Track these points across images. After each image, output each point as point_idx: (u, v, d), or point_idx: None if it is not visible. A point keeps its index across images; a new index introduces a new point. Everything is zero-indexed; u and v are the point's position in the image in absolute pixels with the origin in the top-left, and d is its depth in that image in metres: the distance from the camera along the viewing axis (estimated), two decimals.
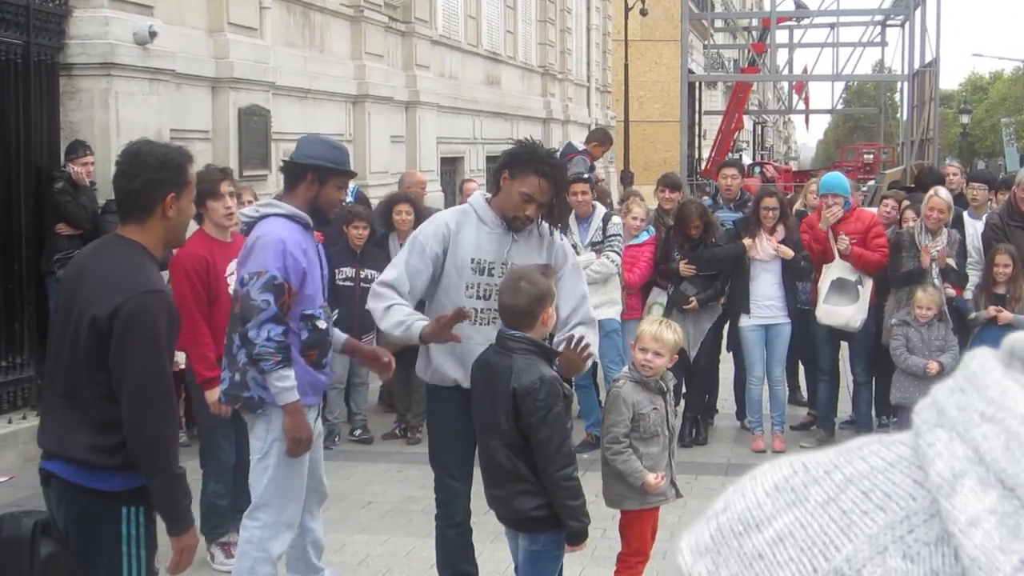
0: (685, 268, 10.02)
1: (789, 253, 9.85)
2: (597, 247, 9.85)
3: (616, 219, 10.13)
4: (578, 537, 5.13)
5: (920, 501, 0.78)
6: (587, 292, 5.97)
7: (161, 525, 4.38)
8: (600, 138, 13.99)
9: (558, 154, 13.24)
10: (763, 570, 0.80)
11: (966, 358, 0.82)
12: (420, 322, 5.54)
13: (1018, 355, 0.80)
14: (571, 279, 5.85)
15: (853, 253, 9.96)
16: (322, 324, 5.73)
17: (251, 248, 5.57)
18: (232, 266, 6.59)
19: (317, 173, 5.75)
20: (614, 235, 9.92)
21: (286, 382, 5.48)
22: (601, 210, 10.18)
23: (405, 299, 5.66)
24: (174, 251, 6.83)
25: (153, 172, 4.21)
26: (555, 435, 4.93)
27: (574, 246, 9.83)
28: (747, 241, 9.93)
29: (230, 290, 6.38)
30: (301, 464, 5.67)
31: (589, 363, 5.75)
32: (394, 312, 5.59)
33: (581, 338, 5.43)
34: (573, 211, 10.27)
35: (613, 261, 9.83)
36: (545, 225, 5.79)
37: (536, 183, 5.58)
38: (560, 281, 5.67)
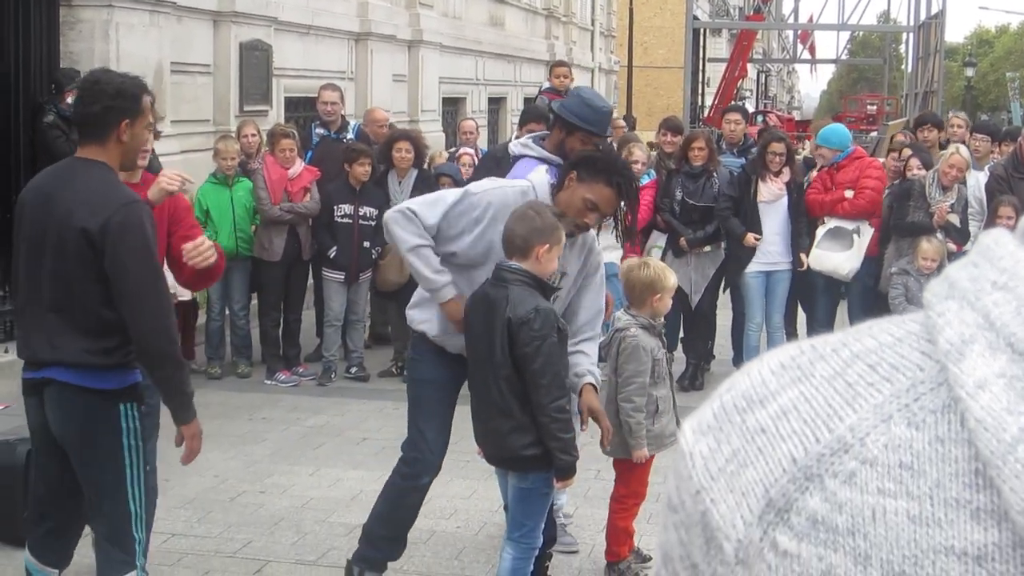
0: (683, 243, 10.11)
1: (805, 263, 10.10)
2: None
3: None
4: (567, 472, 5.06)
5: (927, 371, 0.77)
6: (603, 307, 5.68)
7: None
8: (551, 70, 14.08)
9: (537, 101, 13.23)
10: (765, 443, 0.79)
11: (980, 236, 0.82)
12: (449, 289, 5.29)
13: None
14: (595, 290, 5.58)
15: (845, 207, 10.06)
16: None
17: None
18: None
19: (562, 124, 6.37)
20: None
21: None
22: None
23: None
24: None
25: (110, 99, 4.53)
26: (549, 366, 4.90)
27: None
28: (750, 237, 9.98)
29: None
30: None
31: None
32: (426, 256, 5.23)
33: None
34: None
35: None
36: (592, 232, 5.53)
37: (606, 193, 5.26)
38: (584, 289, 5.53)
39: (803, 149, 12.60)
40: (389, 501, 5.72)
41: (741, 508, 0.78)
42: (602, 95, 6.63)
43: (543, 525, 5.36)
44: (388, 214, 5.37)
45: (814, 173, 10.55)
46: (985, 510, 0.71)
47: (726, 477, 0.80)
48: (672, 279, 6.01)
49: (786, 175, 10.03)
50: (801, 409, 0.79)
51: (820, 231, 10.14)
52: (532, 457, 5.03)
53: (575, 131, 6.28)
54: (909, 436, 0.75)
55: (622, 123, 13.62)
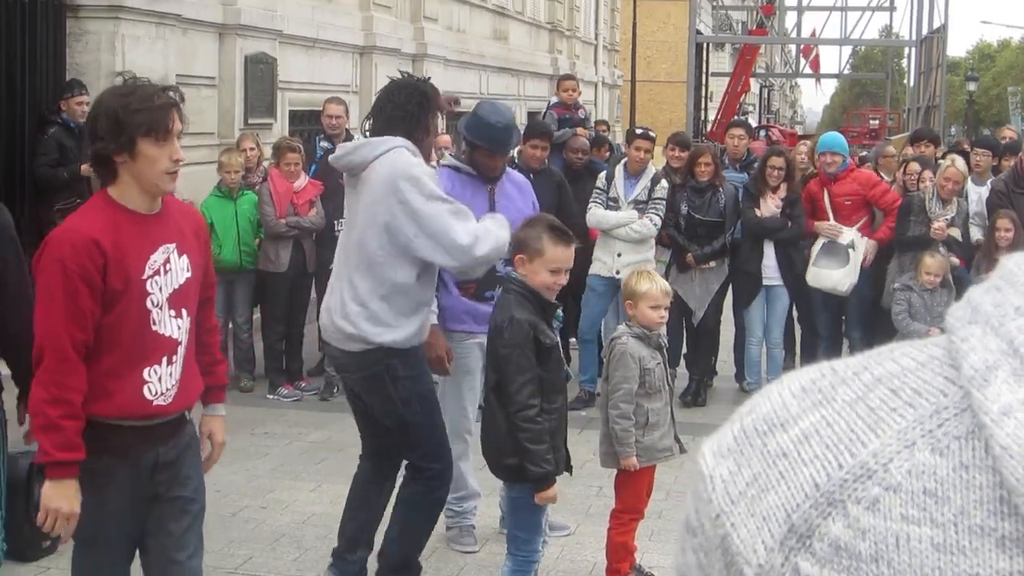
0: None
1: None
2: (640, 207, 9.72)
3: (664, 183, 9.93)
4: (539, 483, 4.99)
5: (951, 396, 0.77)
6: None
7: None
8: (559, 84, 14.41)
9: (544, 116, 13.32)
10: (787, 468, 0.78)
11: (1003, 260, 0.81)
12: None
13: None
14: None
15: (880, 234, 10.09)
16: None
17: None
18: (164, 252, 4.04)
19: (466, 142, 6.64)
20: (659, 199, 9.76)
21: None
22: (651, 170, 9.99)
23: None
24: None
25: None
26: (515, 375, 4.91)
27: (615, 199, 9.72)
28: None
29: (149, 301, 3.97)
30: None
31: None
32: (487, 231, 5.36)
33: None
34: (622, 164, 10.13)
35: (655, 224, 9.65)
36: None
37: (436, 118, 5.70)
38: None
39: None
40: (431, 518, 5.73)
41: (762, 533, 0.78)
42: (501, 109, 6.61)
43: (540, 537, 5.33)
44: (470, 252, 5.20)
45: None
46: (1011, 538, 0.71)
47: (747, 501, 0.79)
48: (647, 289, 5.87)
49: (783, 191, 10.01)
50: (823, 434, 0.78)
51: (815, 247, 10.11)
52: (514, 467, 5.01)
53: (476, 149, 6.51)
54: (933, 462, 0.74)
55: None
